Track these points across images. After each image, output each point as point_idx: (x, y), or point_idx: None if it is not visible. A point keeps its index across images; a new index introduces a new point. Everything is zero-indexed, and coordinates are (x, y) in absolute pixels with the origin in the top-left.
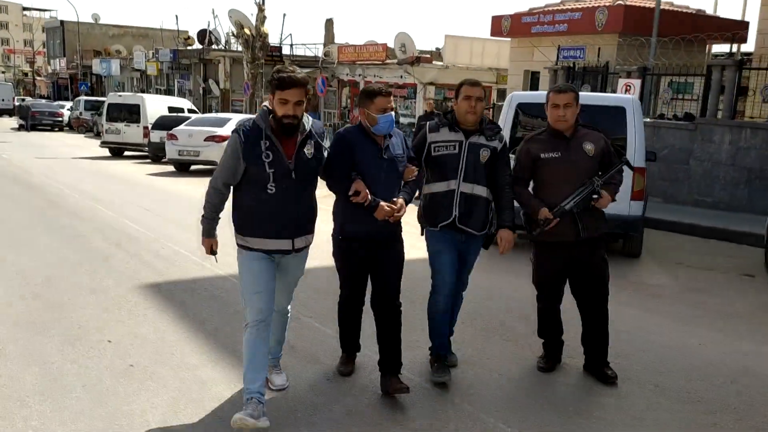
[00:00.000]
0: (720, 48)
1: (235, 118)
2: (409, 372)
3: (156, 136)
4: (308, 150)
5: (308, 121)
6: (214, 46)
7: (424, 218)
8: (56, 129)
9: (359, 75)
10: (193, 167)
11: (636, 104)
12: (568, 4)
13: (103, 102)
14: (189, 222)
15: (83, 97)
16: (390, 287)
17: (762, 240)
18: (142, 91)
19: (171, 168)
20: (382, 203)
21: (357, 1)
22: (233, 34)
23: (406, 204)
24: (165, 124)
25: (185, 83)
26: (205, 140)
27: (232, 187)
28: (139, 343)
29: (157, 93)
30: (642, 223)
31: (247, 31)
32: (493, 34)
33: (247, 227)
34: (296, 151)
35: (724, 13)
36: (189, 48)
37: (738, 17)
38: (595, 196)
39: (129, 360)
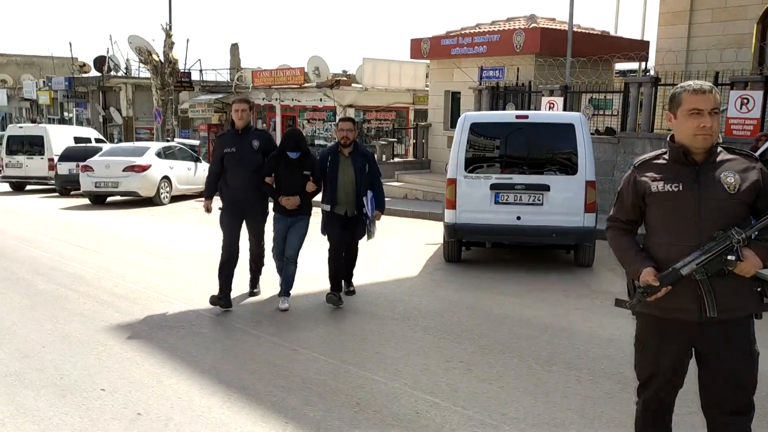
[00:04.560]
0: (622, 66)
1: (153, 147)
2: None
3: (64, 168)
4: None
5: None
6: (113, 73)
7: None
8: None
9: (276, 99)
10: (109, 199)
11: (583, 121)
12: (483, 27)
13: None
14: (132, 258)
15: None
16: None
17: None
18: (33, 122)
19: (83, 201)
20: None
21: (261, 26)
22: (140, 60)
23: None
24: (74, 155)
25: (82, 112)
26: (123, 170)
27: None
28: (137, 389)
29: (50, 123)
30: (594, 234)
31: (155, 57)
32: (412, 56)
33: None
34: None
35: (623, 33)
36: (85, 75)
37: (637, 37)
38: (730, 257)
39: (134, 408)
